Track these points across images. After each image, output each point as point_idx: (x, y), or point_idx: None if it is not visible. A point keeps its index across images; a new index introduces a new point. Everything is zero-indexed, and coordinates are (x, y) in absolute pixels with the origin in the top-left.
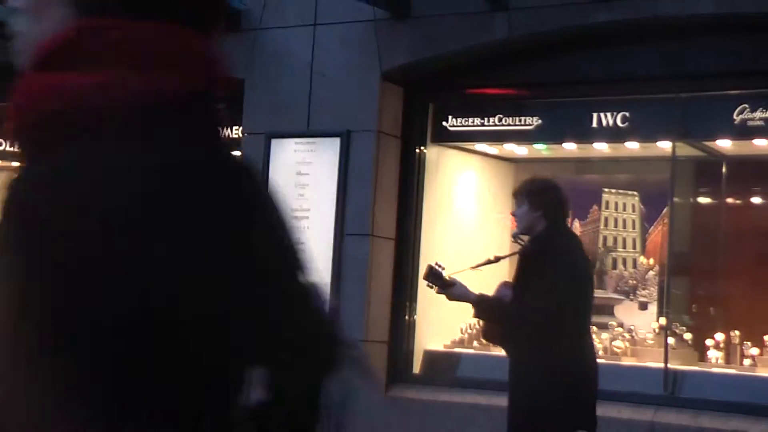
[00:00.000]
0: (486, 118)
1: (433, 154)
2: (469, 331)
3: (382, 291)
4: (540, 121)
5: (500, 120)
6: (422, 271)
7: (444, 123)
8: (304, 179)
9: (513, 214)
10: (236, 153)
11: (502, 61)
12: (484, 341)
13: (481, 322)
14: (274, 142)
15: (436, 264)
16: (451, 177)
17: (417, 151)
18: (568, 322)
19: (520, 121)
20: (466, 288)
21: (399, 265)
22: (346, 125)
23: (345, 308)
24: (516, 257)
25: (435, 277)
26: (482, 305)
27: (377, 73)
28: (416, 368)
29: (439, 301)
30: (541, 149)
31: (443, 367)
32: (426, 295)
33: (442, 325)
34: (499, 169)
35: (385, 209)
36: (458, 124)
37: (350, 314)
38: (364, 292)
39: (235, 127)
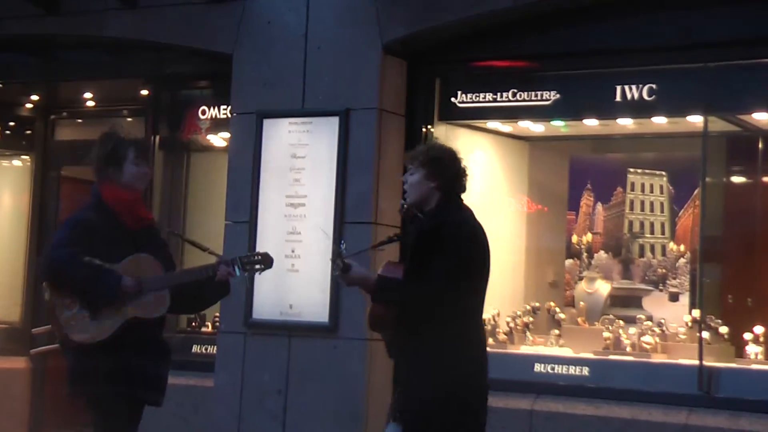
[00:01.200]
0: (498, 93)
1: (440, 133)
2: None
3: None
4: (558, 96)
5: (514, 95)
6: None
7: (452, 99)
8: (300, 162)
9: (404, 181)
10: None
11: (515, 29)
12: (370, 329)
13: (368, 308)
14: (267, 123)
15: (342, 242)
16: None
17: (423, 130)
18: (471, 303)
19: (535, 95)
20: (364, 270)
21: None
22: (345, 103)
23: (346, 304)
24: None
25: (337, 255)
26: (384, 288)
27: (378, 45)
28: None
29: None
30: (559, 126)
31: None
32: None
33: None
34: (513, 148)
35: (389, 195)
36: (468, 100)
37: (352, 310)
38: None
39: (222, 107)
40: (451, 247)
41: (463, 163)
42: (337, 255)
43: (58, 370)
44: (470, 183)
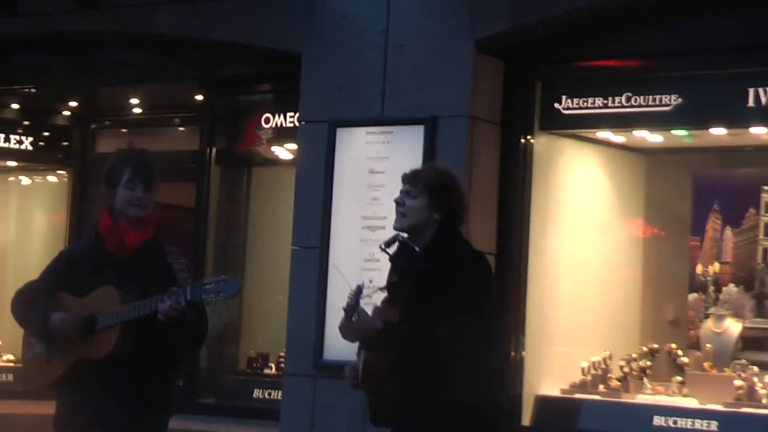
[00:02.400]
0: (609, 98)
1: (542, 144)
2: (593, 371)
3: None
4: (679, 101)
5: (628, 100)
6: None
7: (555, 105)
8: (379, 178)
9: (399, 203)
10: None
11: (630, 23)
12: (362, 385)
13: (362, 362)
14: (340, 132)
15: (361, 286)
16: (565, 173)
17: (522, 141)
18: (488, 335)
19: (653, 100)
20: (370, 317)
21: (501, 288)
22: (431, 110)
23: None
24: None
25: (355, 302)
26: (389, 334)
27: (470, 42)
28: (525, 419)
29: (554, 335)
30: (680, 136)
31: (559, 417)
32: (538, 326)
33: (558, 364)
34: (627, 162)
35: (483, 215)
36: (574, 105)
37: None
38: None
39: (288, 114)
40: (465, 283)
41: (467, 200)
42: (353, 306)
43: None
44: (577, 203)
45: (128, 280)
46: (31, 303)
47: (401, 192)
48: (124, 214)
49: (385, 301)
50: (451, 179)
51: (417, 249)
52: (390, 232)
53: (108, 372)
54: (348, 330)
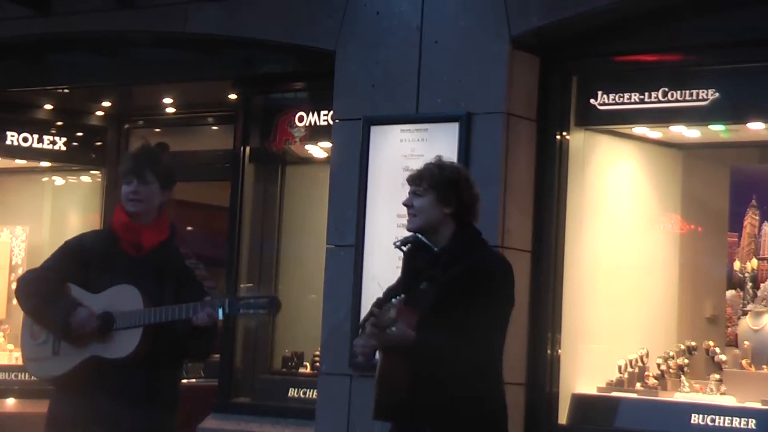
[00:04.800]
0: (646, 93)
1: (577, 140)
2: (630, 369)
3: (516, 318)
4: (717, 95)
5: (665, 95)
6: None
7: (591, 100)
8: None
9: (407, 205)
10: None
11: (667, 16)
12: (379, 390)
13: (380, 367)
14: (375, 130)
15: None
16: (601, 170)
17: (557, 137)
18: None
19: (690, 95)
20: (404, 326)
21: (537, 285)
22: (467, 106)
23: None
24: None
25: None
26: (423, 347)
27: (506, 38)
28: (562, 417)
29: (590, 333)
30: (718, 131)
31: (596, 415)
32: (574, 323)
33: (594, 362)
34: (664, 158)
35: (519, 213)
36: (610, 101)
37: None
38: None
39: (323, 112)
40: (495, 291)
41: (476, 189)
42: (386, 316)
43: None
44: (613, 199)
45: (144, 281)
46: (46, 295)
47: (409, 194)
48: (125, 211)
49: (402, 302)
50: (455, 171)
51: (435, 249)
52: None
53: (124, 373)
54: (379, 337)
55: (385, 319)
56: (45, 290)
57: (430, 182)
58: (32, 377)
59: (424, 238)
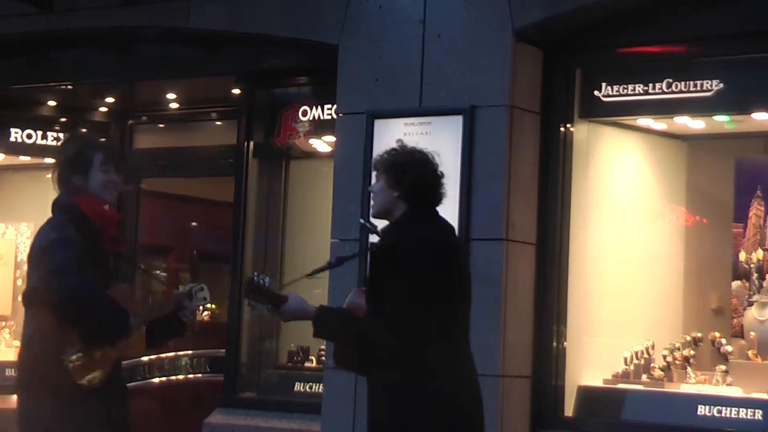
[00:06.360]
0: (650, 84)
1: (581, 132)
2: (636, 361)
3: (521, 311)
4: (721, 86)
5: (668, 86)
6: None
7: (595, 92)
8: None
9: (370, 191)
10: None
11: (670, 7)
12: (336, 364)
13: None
14: (378, 124)
15: (256, 275)
16: (605, 161)
17: (561, 129)
18: (444, 329)
19: (694, 86)
20: (303, 301)
21: (542, 278)
22: (470, 99)
23: (474, 334)
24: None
25: (258, 292)
26: (324, 322)
27: (509, 31)
28: (568, 409)
29: (595, 325)
30: (722, 122)
31: (602, 407)
32: (579, 316)
33: (600, 354)
34: (668, 149)
35: (523, 205)
36: (614, 93)
37: (481, 342)
38: (499, 314)
39: (326, 106)
40: (411, 268)
41: (439, 170)
42: (258, 288)
43: (140, 414)
44: (618, 191)
45: (114, 275)
46: (109, 304)
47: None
48: (101, 200)
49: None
50: (406, 156)
51: (378, 230)
52: None
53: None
54: (279, 315)
55: (261, 295)
56: (106, 299)
57: (381, 167)
58: None
59: (368, 221)
